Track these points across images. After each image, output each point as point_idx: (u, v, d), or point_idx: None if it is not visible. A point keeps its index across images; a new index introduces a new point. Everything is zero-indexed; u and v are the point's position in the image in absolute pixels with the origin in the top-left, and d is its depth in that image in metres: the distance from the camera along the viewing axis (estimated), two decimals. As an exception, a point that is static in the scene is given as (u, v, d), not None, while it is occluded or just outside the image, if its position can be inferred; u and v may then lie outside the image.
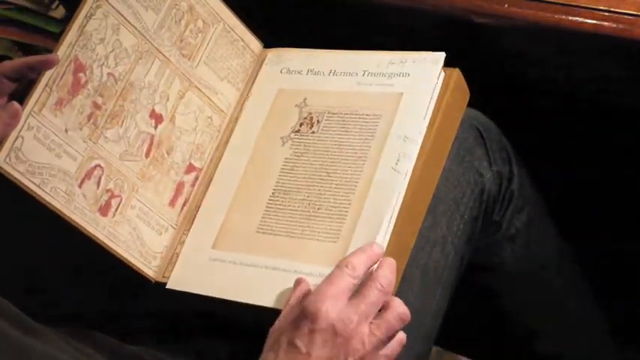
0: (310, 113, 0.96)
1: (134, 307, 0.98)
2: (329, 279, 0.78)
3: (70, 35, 0.87)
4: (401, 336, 0.79)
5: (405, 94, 0.92)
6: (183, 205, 0.96)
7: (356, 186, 0.88)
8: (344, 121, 0.94)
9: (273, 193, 0.92)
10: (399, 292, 0.90)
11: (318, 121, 0.95)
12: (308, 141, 0.94)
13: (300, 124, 0.96)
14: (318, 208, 0.88)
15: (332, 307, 0.75)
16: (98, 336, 0.89)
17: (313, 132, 0.95)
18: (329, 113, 0.95)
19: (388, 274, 0.80)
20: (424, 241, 0.96)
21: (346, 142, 0.92)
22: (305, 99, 0.97)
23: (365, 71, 0.96)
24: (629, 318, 1.23)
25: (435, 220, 0.97)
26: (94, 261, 0.93)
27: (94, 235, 0.88)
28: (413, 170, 0.89)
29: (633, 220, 1.20)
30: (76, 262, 0.97)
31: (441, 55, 0.93)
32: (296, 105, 0.97)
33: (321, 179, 0.91)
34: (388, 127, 0.90)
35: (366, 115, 0.93)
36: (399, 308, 0.79)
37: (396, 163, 0.88)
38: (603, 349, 1.21)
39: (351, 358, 0.75)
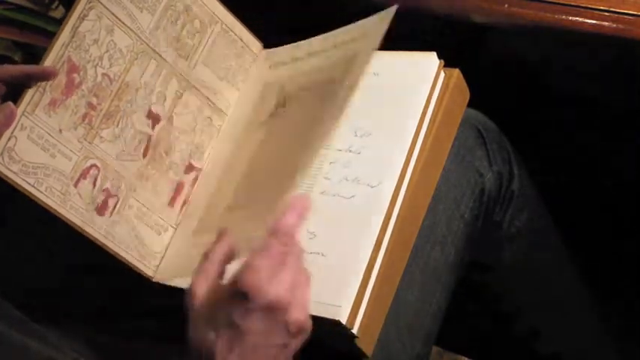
0: (284, 96, 0.96)
1: (134, 306, 0.98)
2: (263, 251, 0.74)
3: (63, 36, 0.87)
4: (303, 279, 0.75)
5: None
6: (183, 204, 0.96)
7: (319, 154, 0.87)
8: (316, 93, 0.93)
9: (245, 174, 0.92)
10: (400, 293, 0.90)
11: (290, 99, 0.95)
12: (280, 120, 0.94)
13: (276, 108, 0.96)
14: (287, 179, 0.88)
15: (267, 283, 0.72)
16: (98, 336, 0.89)
17: (285, 110, 0.94)
18: (302, 90, 0.95)
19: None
20: (424, 241, 0.96)
21: (318, 114, 0.91)
22: (283, 85, 0.97)
23: None
24: (629, 318, 1.23)
25: (435, 220, 0.97)
26: (94, 261, 0.93)
27: (91, 235, 0.88)
28: (413, 171, 0.89)
29: (633, 220, 1.20)
30: (75, 262, 0.97)
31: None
32: (275, 93, 0.97)
33: (290, 153, 0.90)
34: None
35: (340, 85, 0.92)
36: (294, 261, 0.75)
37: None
38: (603, 349, 1.21)
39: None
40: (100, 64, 0.90)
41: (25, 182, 0.84)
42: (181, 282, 0.90)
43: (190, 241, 0.93)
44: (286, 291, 0.73)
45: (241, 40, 1.02)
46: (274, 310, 0.72)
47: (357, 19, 1.11)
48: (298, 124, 0.92)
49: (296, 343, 0.74)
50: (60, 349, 0.79)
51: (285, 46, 1.02)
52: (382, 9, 1.05)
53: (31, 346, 0.74)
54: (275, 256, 0.73)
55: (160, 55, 0.94)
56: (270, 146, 0.93)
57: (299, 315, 0.73)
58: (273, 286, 0.72)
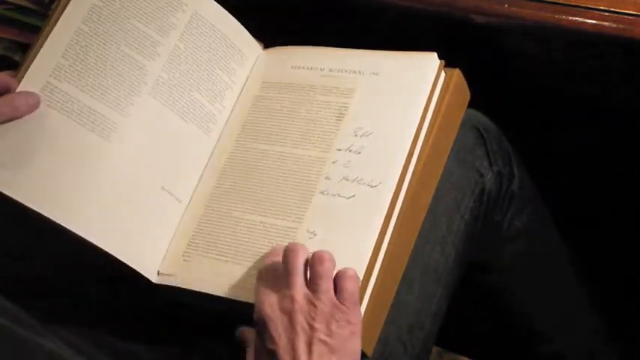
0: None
1: (135, 305, 0.98)
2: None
3: None
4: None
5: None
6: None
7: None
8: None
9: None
10: (400, 293, 0.90)
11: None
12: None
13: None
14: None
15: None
16: (99, 335, 0.89)
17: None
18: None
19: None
20: (424, 241, 0.96)
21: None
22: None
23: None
24: (630, 318, 1.23)
25: (435, 221, 0.97)
26: (94, 261, 0.93)
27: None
28: (413, 171, 0.89)
29: (634, 220, 1.20)
30: (76, 262, 0.97)
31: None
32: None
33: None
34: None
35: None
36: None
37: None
38: (603, 349, 1.21)
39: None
40: None
41: None
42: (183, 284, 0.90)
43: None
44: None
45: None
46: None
47: (358, 19, 1.11)
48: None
49: None
50: (62, 346, 0.79)
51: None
52: (382, 8, 1.05)
53: (35, 342, 0.74)
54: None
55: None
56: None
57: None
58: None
